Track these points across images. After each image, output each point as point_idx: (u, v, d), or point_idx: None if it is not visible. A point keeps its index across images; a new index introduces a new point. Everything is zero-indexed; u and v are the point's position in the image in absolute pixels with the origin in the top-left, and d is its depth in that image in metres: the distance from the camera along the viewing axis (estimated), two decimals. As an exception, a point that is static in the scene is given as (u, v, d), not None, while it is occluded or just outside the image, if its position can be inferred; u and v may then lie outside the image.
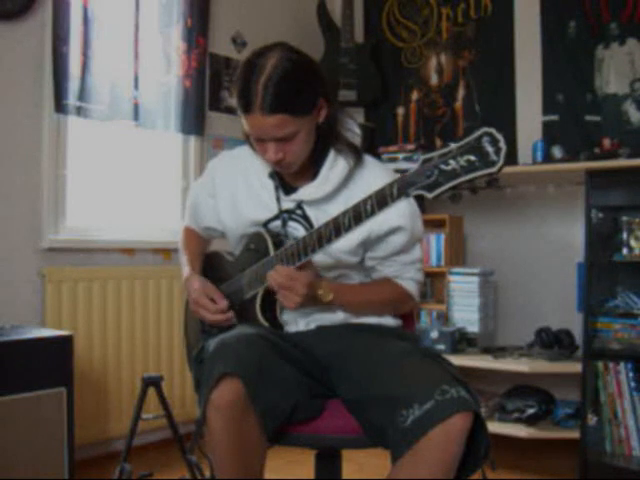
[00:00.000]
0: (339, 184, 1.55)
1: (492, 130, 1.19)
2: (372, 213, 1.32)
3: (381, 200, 1.30)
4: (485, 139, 1.19)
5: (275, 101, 1.39)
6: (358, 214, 1.34)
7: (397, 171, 1.71)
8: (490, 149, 1.18)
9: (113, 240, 2.96)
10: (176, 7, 3.15)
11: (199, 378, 1.44)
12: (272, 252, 1.54)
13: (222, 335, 1.43)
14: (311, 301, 1.48)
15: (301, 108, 1.43)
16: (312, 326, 1.60)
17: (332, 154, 1.56)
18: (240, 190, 1.64)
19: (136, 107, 2.96)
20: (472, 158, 1.19)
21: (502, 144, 1.18)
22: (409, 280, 1.62)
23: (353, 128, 1.60)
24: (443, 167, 1.22)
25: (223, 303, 1.61)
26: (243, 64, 1.46)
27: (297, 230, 1.57)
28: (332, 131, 1.55)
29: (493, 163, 1.18)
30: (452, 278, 3.19)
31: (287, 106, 1.40)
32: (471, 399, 1.26)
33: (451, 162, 1.21)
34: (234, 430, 1.30)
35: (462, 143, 1.21)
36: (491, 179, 1.23)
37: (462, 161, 1.20)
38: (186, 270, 1.73)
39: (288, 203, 1.58)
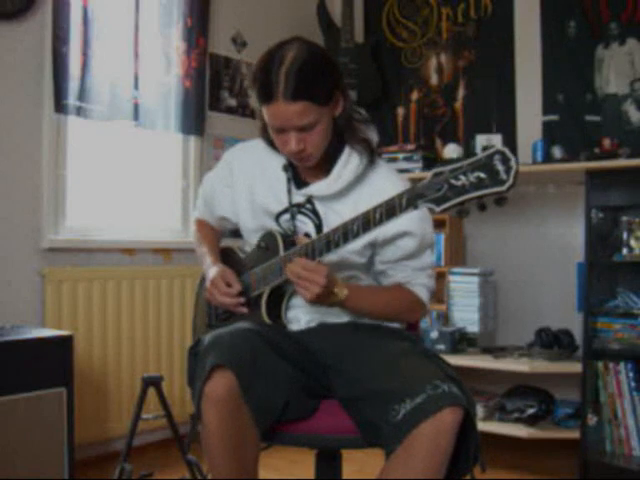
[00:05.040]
0: (350, 183, 1.56)
1: (505, 149, 1.20)
2: (380, 222, 1.33)
3: (390, 210, 1.31)
4: (497, 157, 1.19)
5: (297, 88, 1.41)
6: (367, 222, 1.35)
7: (398, 172, 1.72)
8: (500, 167, 1.19)
9: (113, 240, 2.96)
10: (176, 7, 3.15)
11: (192, 371, 1.45)
12: (282, 252, 1.55)
13: (218, 330, 1.44)
14: (327, 297, 1.45)
15: (321, 97, 1.46)
16: (313, 324, 1.60)
17: (347, 151, 1.57)
18: (257, 180, 1.66)
19: (136, 107, 2.96)
20: (482, 175, 1.20)
21: (513, 163, 1.18)
22: (420, 286, 1.60)
23: (371, 134, 1.61)
24: (453, 182, 1.23)
25: (236, 287, 1.61)
26: (262, 57, 1.48)
27: (306, 224, 1.59)
28: (348, 126, 1.56)
29: (502, 182, 1.19)
30: (452, 278, 3.19)
31: (309, 93, 1.42)
32: (463, 396, 1.27)
33: (461, 177, 1.22)
34: (227, 423, 1.31)
35: (474, 160, 1.22)
36: (500, 197, 1.23)
37: (472, 177, 1.21)
38: (208, 260, 1.74)
39: (299, 197, 1.60)
